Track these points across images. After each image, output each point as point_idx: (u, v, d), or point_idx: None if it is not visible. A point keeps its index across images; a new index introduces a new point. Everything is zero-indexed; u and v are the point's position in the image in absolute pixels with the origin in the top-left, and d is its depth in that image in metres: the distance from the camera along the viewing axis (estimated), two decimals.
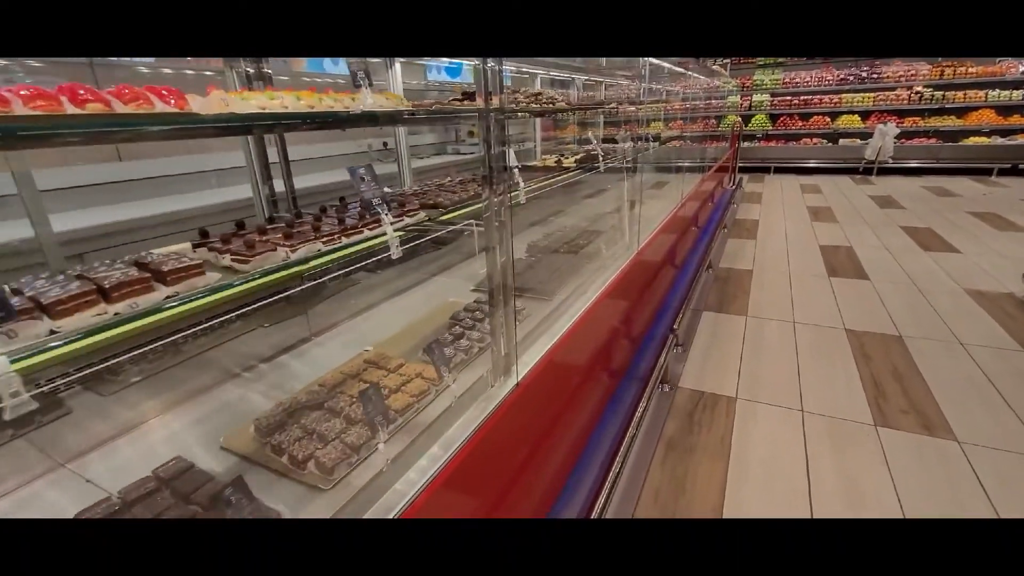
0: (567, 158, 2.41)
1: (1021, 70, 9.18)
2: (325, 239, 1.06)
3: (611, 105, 3.17)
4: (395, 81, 2.08)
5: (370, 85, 1.10)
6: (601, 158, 2.36)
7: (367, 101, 1.10)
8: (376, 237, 1.20)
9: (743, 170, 10.76)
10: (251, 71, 1.51)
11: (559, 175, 2.26)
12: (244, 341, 1.77)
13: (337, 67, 4.92)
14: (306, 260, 1.00)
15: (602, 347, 2.30)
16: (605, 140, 4.49)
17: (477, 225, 1.33)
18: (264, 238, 1.03)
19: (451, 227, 1.39)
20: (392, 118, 1.21)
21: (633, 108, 3.08)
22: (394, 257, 1.07)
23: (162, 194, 2.70)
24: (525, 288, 2.20)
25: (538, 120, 3.56)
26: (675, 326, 3.07)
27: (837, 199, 7.96)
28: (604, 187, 3.88)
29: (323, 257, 1.04)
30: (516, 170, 1.52)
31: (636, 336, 3.00)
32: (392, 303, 2.15)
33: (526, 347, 1.69)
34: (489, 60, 1.16)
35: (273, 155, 1.65)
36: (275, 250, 0.97)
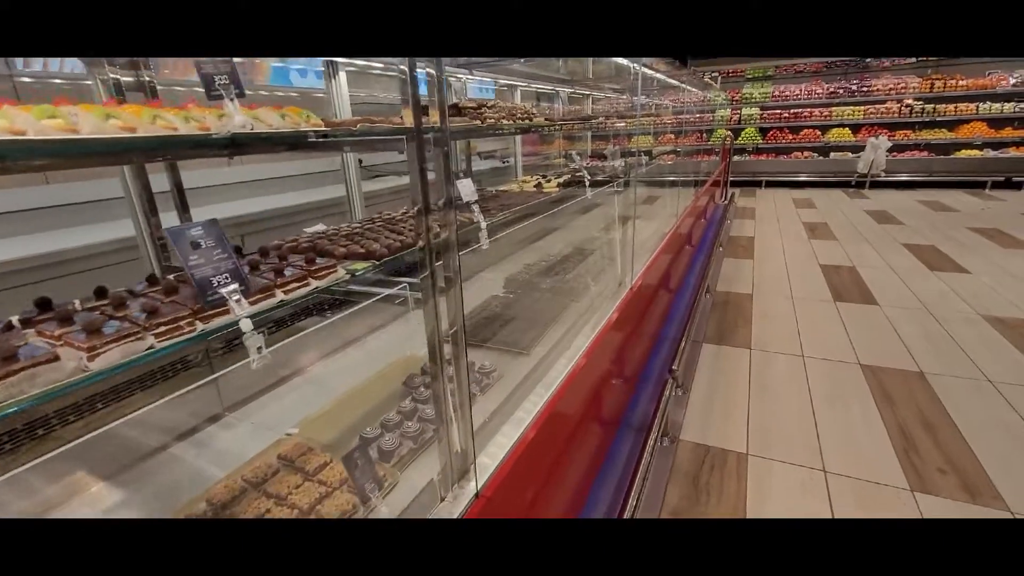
0: (549, 180, 2.07)
1: (1011, 83, 9.10)
2: (164, 329, 0.69)
3: (596, 120, 2.82)
4: (339, 93, 1.72)
5: (239, 95, 0.74)
6: (587, 182, 2.01)
7: (235, 120, 0.73)
8: (264, 310, 0.83)
9: (734, 184, 10.55)
10: (124, 79, 1.14)
11: (538, 201, 1.91)
12: (137, 421, 1.38)
13: (305, 79, 4.55)
14: (118, 367, 0.63)
15: (592, 414, 1.93)
16: (593, 155, 4.18)
17: (413, 289, 0.97)
18: (57, 332, 0.66)
19: (376, 295, 1.03)
20: (263, 142, 0.85)
21: (623, 123, 2.76)
22: (254, 367, 0.70)
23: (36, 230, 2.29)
24: (498, 339, 1.84)
25: (519, 137, 3.23)
26: (674, 367, 2.72)
27: (832, 214, 7.73)
28: (593, 207, 3.55)
29: (152, 355, 0.66)
30: (475, 206, 1.16)
31: (631, 384, 2.64)
32: (334, 360, 1.76)
33: (493, 430, 1.32)
34: (421, 62, 0.80)
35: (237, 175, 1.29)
36: (56, 360, 0.60)
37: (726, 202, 8.51)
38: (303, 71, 4.52)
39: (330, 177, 4.59)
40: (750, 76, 11.23)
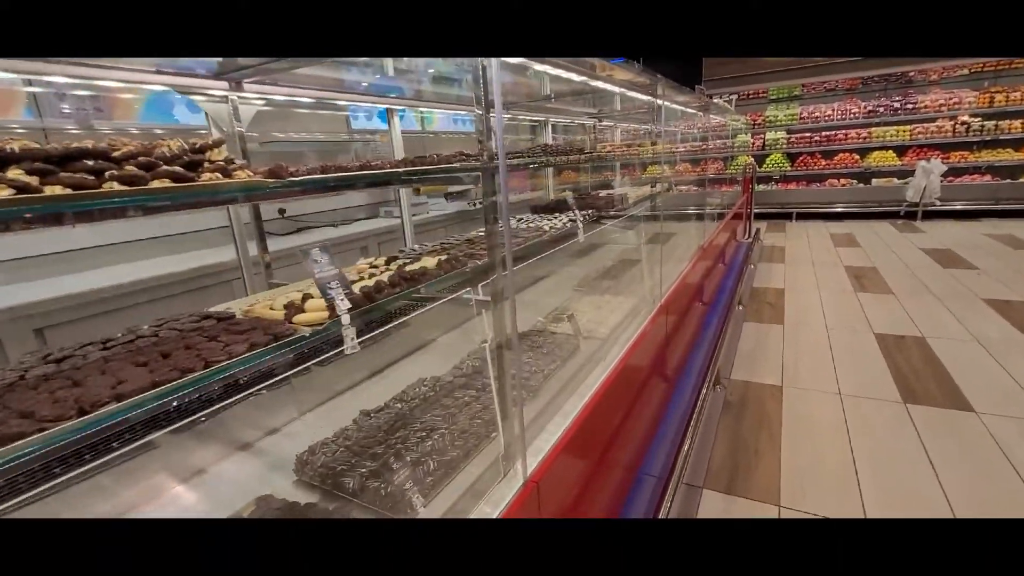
0: (387, 269, 0.99)
1: None
2: None
3: (451, 162, 1.26)
4: None
5: None
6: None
7: None
8: None
9: (759, 217, 9.28)
10: None
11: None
12: None
13: (195, 115, 3.68)
14: None
15: None
16: (537, 208, 3.09)
17: None
18: None
19: None
20: None
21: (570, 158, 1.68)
22: None
23: None
24: None
25: (402, 189, 2.17)
26: None
27: (881, 254, 6.37)
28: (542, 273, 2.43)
29: None
30: None
31: None
32: None
33: None
34: None
35: None
36: None
37: (750, 239, 7.25)
38: (192, 105, 3.67)
39: (218, 237, 3.61)
40: (773, 97, 10.06)
